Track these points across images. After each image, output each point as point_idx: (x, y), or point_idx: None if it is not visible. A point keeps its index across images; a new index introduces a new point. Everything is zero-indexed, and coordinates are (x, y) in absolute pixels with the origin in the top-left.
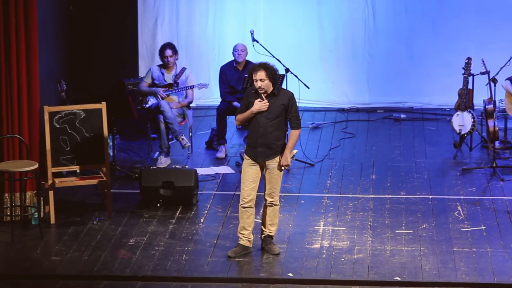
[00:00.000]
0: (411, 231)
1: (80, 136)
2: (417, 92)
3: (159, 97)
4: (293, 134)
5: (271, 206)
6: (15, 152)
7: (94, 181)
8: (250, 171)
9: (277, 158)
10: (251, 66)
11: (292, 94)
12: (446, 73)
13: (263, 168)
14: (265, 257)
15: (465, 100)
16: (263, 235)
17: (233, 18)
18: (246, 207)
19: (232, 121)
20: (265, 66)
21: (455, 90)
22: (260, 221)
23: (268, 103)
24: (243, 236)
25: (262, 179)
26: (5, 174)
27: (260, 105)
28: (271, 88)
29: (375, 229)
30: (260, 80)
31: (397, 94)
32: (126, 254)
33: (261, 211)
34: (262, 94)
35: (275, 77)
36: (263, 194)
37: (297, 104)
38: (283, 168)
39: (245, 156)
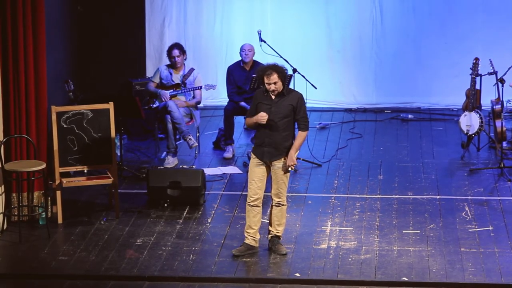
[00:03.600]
0: (419, 231)
1: (88, 136)
2: (424, 93)
3: (163, 99)
4: (300, 135)
5: (278, 206)
6: (22, 152)
7: (101, 181)
8: (257, 170)
9: (283, 159)
10: (260, 68)
11: (301, 95)
12: (453, 73)
13: (269, 167)
14: (272, 257)
15: (472, 101)
16: (270, 235)
17: (240, 18)
18: (252, 206)
19: (239, 121)
20: (276, 68)
21: (463, 91)
22: (268, 221)
23: (266, 117)
24: (249, 235)
25: (270, 179)
26: (12, 174)
27: (258, 117)
28: (281, 88)
29: (383, 229)
30: (274, 83)
31: (404, 94)
32: (134, 254)
33: (268, 211)
34: (272, 95)
35: (285, 77)
36: (270, 194)
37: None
38: (289, 168)
39: (252, 155)
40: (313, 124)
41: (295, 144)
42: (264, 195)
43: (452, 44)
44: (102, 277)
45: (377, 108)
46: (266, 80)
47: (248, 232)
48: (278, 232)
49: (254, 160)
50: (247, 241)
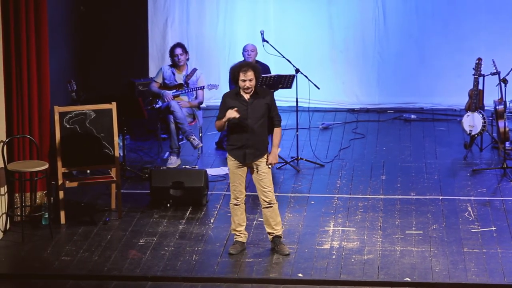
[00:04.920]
0: (421, 231)
1: (90, 136)
2: (427, 93)
3: (166, 100)
4: (277, 132)
5: (270, 206)
6: (25, 152)
7: (104, 181)
8: (239, 172)
9: (264, 158)
10: (235, 65)
11: (272, 93)
12: (456, 73)
13: (248, 169)
14: (275, 257)
15: (475, 101)
16: (271, 236)
17: (243, 18)
18: (239, 204)
19: None
20: (252, 66)
21: (466, 91)
22: (264, 222)
23: (236, 113)
24: (240, 233)
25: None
26: (15, 174)
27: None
28: (254, 87)
29: (385, 229)
30: (249, 80)
31: (407, 94)
32: (136, 254)
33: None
34: (247, 94)
35: (259, 76)
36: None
37: (308, 104)
38: (269, 166)
39: (230, 158)
40: (315, 124)
41: (275, 142)
42: (254, 195)
43: (455, 44)
44: (104, 277)
45: (380, 108)
46: (242, 77)
47: (238, 231)
48: (278, 232)
49: (233, 163)
50: (239, 239)
